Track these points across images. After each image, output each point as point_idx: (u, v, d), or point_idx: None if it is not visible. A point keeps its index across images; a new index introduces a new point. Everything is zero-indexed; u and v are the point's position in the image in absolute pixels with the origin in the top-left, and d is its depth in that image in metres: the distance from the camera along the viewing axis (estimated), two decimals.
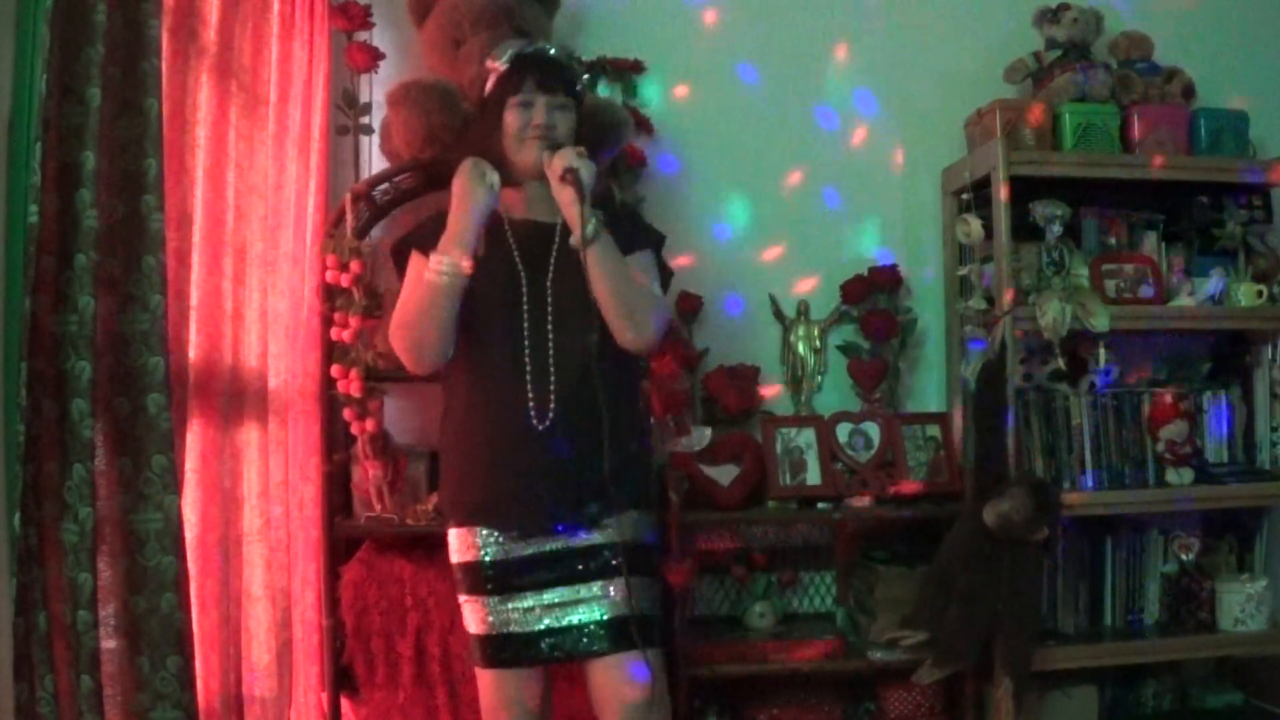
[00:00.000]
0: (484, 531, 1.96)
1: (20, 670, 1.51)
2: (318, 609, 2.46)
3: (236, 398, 2.21)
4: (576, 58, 2.09)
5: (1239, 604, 2.68)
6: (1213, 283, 2.73)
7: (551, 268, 1.97)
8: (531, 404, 1.92)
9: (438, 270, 1.88)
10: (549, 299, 1.95)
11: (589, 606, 1.93)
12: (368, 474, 2.44)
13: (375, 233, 2.69)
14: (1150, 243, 2.83)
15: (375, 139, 2.62)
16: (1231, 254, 2.83)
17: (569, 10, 2.77)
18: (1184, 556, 2.77)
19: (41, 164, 1.51)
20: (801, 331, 2.88)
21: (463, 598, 2.01)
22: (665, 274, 2.13)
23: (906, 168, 2.99)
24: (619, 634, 1.92)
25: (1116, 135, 2.75)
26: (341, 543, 2.49)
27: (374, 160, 2.63)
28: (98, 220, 1.60)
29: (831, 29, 2.98)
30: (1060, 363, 2.67)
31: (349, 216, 2.43)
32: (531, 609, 1.94)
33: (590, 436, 1.88)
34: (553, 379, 1.92)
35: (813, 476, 2.68)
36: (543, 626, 1.94)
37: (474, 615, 1.98)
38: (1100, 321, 2.58)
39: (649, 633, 1.95)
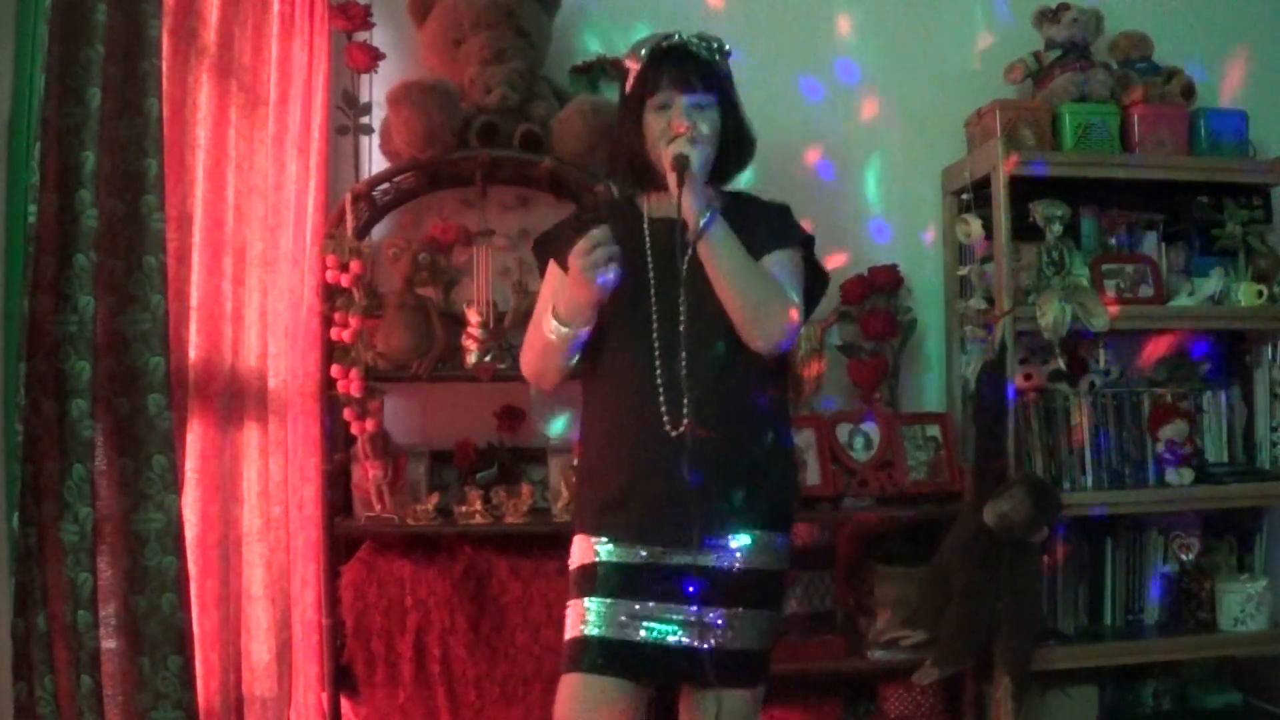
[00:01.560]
0: (605, 539, 1.81)
1: (20, 670, 1.51)
2: (318, 609, 2.46)
3: (236, 398, 2.21)
4: (719, 47, 1.89)
5: (1239, 604, 2.69)
6: (1213, 283, 2.73)
7: (685, 266, 1.79)
8: (664, 408, 1.77)
9: (553, 333, 1.80)
10: (681, 298, 1.79)
11: (697, 630, 1.76)
12: (368, 474, 2.44)
13: (375, 233, 2.70)
14: (1150, 243, 2.83)
15: (375, 139, 2.62)
16: (1231, 254, 2.83)
17: (569, 10, 2.77)
18: (1184, 556, 2.77)
19: (41, 164, 1.51)
20: (801, 331, 2.87)
21: (569, 603, 1.84)
22: (817, 276, 1.96)
23: (906, 168, 2.99)
24: (729, 668, 1.76)
25: (1116, 135, 2.75)
26: (341, 543, 2.50)
27: (374, 160, 2.63)
28: (98, 220, 1.60)
29: (832, 28, 2.98)
30: (1060, 363, 2.67)
31: (349, 216, 2.42)
32: (640, 619, 1.77)
33: (726, 446, 1.76)
34: (686, 384, 1.76)
35: (813, 476, 2.68)
36: (646, 639, 1.76)
37: (575, 616, 1.81)
38: (1100, 321, 2.58)
39: (755, 669, 1.81)
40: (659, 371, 1.79)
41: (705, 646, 1.76)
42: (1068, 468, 2.69)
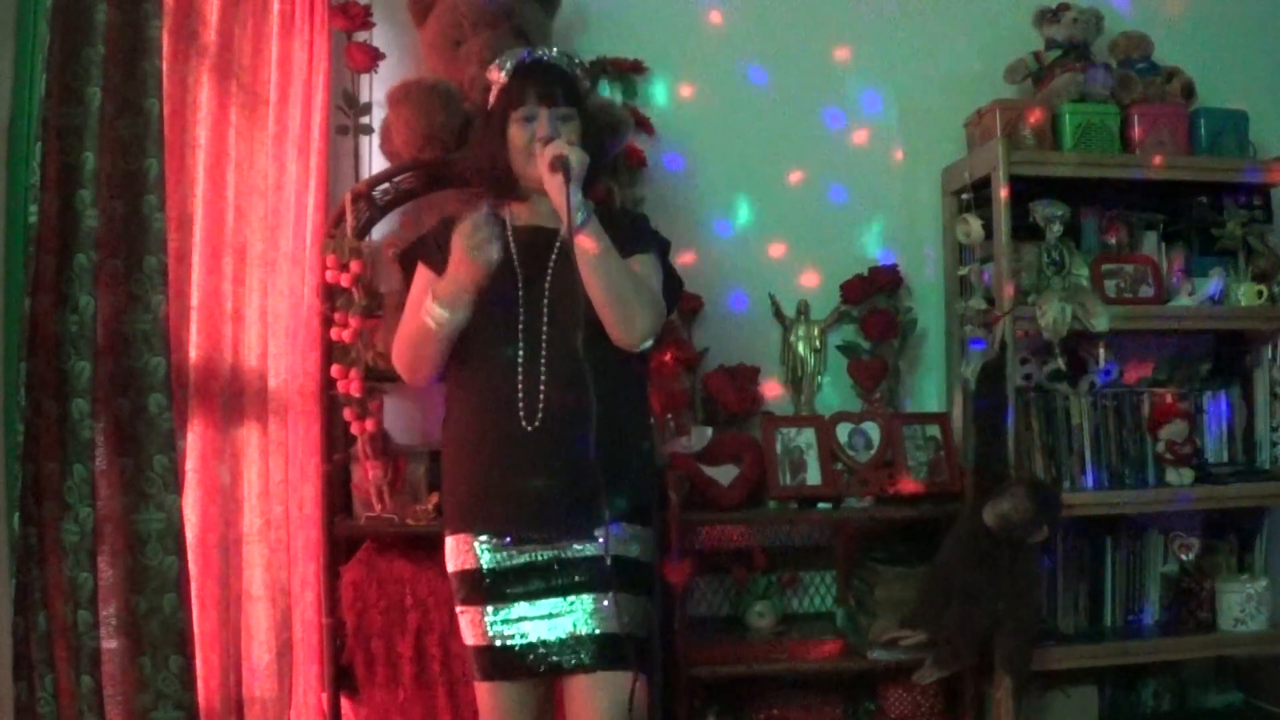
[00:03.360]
0: (481, 538, 1.92)
1: (20, 670, 1.51)
2: (318, 609, 2.46)
3: (236, 398, 2.21)
4: (579, 62, 2.05)
5: (1239, 604, 2.69)
6: (1213, 283, 2.73)
7: (550, 270, 1.94)
8: (521, 405, 1.88)
9: (431, 318, 1.89)
10: (545, 301, 1.92)
11: (577, 619, 1.87)
12: (368, 474, 2.44)
13: (375, 233, 2.69)
14: (1150, 243, 2.83)
15: (375, 139, 2.62)
16: (1231, 254, 2.83)
17: (569, 10, 2.77)
18: (1184, 556, 2.77)
19: (42, 164, 1.52)
20: (801, 331, 2.88)
21: (459, 608, 1.97)
22: (673, 280, 2.09)
23: (907, 168, 2.99)
24: (605, 651, 1.86)
25: (1116, 135, 2.75)
26: (341, 543, 2.49)
27: (374, 160, 2.63)
28: (98, 220, 1.60)
29: (833, 29, 2.98)
30: (1060, 363, 2.67)
31: (349, 216, 2.42)
32: (522, 620, 1.90)
33: (582, 441, 1.82)
34: (544, 380, 1.87)
35: (813, 476, 2.68)
36: (534, 639, 1.89)
37: (469, 627, 1.95)
38: (1100, 321, 2.58)
39: (635, 653, 1.88)
40: (520, 371, 1.89)
41: (585, 633, 1.86)
42: (1068, 468, 2.69)
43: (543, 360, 1.89)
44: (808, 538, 2.89)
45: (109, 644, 1.67)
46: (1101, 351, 2.72)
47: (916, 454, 2.75)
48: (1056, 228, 2.66)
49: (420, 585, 2.41)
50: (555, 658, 1.88)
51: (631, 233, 2.01)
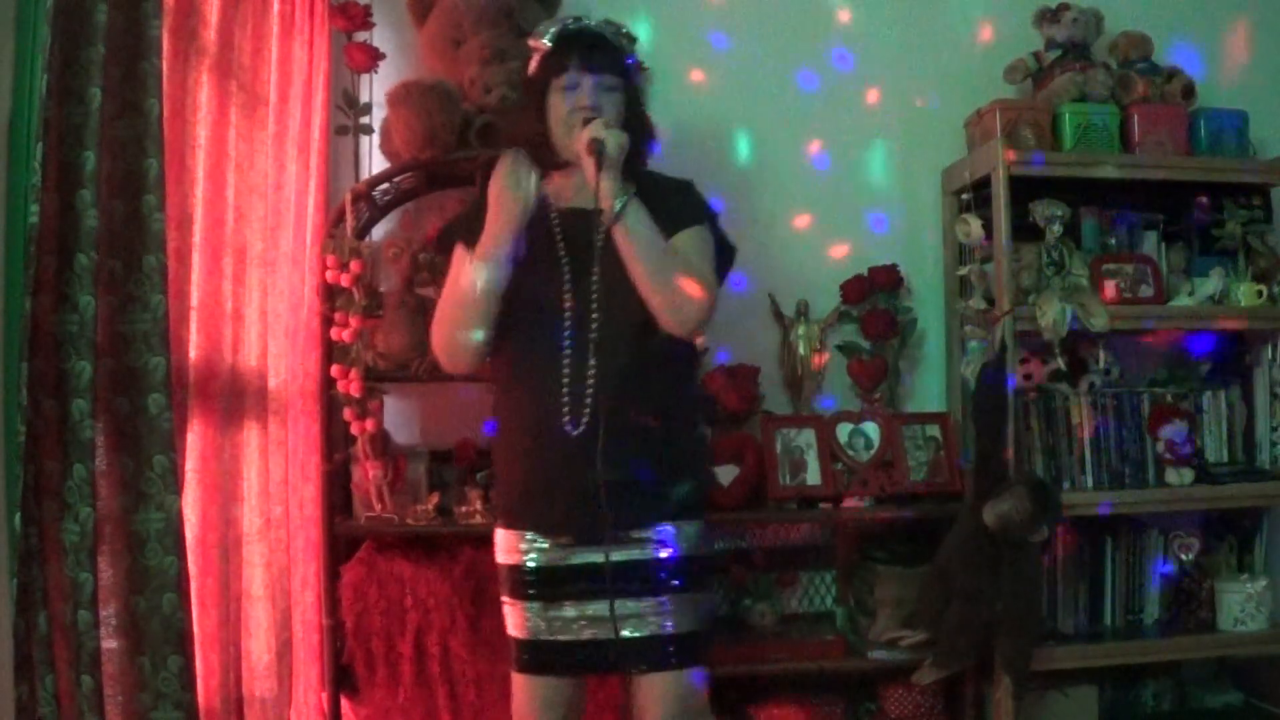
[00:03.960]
0: (528, 535, 1.86)
1: (21, 670, 1.51)
2: (318, 609, 2.46)
3: (236, 398, 2.21)
4: (626, 32, 1.91)
5: (1239, 604, 2.69)
6: (1213, 283, 2.73)
7: (597, 257, 1.82)
8: (566, 406, 1.79)
9: (471, 279, 1.78)
10: (594, 291, 1.81)
11: (632, 622, 1.81)
12: (368, 474, 2.44)
13: (375, 233, 2.70)
14: (1150, 243, 2.83)
15: (375, 139, 2.62)
16: (1231, 254, 2.83)
17: (569, 10, 2.76)
18: (1184, 556, 2.77)
19: (42, 164, 1.52)
20: (801, 331, 2.88)
21: (504, 599, 1.92)
22: (726, 250, 1.95)
23: (906, 168, 2.99)
24: (664, 652, 1.83)
25: (1116, 135, 2.75)
26: (341, 543, 2.49)
27: (374, 160, 2.63)
28: (98, 220, 1.60)
29: (832, 28, 2.99)
30: (1060, 363, 2.67)
31: (349, 216, 2.42)
32: (574, 619, 1.84)
33: (631, 440, 1.77)
34: (591, 380, 1.78)
35: (813, 476, 2.68)
36: (584, 637, 1.84)
37: (514, 619, 1.90)
38: (1100, 321, 2.58)
39: (694, 650, 1.85)
40: (566, 366, 1.80)
41: (638, 636, 1.82)
42: (1068, 468, 2.69)
43: (591, 353, 1.79)
44: (808, 538, 2.89)
45: (109, 644, 1.68)
46: (1102, 352, 2.72)
47: (916, 454, 2.75)
48: (1056, 228, 2.66)
49: (420, 585, 2.41)
50: (611, 658, 1.83)
51: (678, 205, 1.89)
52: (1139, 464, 2.72)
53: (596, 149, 1.74)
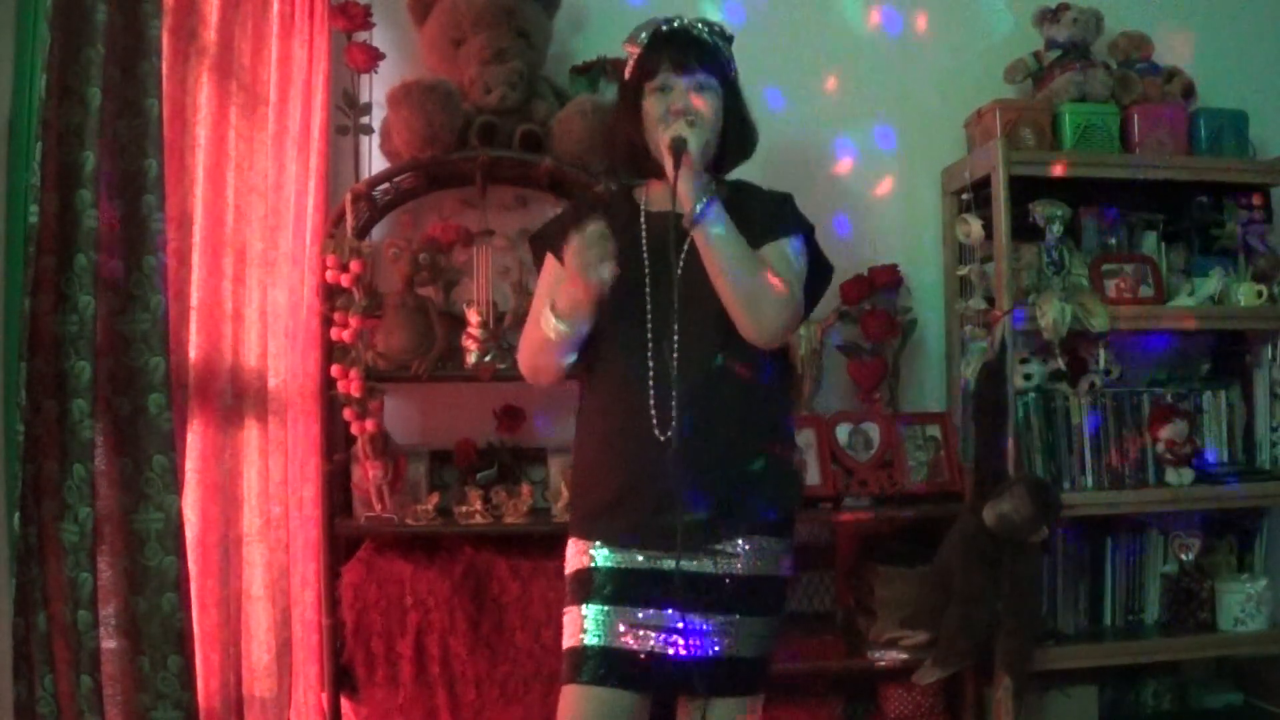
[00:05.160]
0: (599, 544, 1.77)
1: (20, 670, 1.51)
2: (318, 609, 2.46)
3: (236, 398, 2.21)
4: (721, 30, 1.85)
5: (1239, 604, 2.69)
6: (1213, 283, 2.73)
7: (681, 262, 1.76)
8: (654, 412, 1.72)
9: (551, 329, 1.74)
10: (675, 296, 1.73)
11: (699, 640, 1.72)
12: (368, 474, 2.44)
13: (375, 233, 2.70)
14: (1150, 243, 2.83)
15: (375, 139, 2.62)
16: (1231, 254, 2.83)
17: (569, 10, 2.77)
18: (1184, 556, 2.77)
19: (41, 164, 1.52)
20: (801, 331, 2.87)
21: (566, 609, 1.80)
22: (821, 267, 1.88)
23: (906, 168, 2.99)
24: (728, 677, 1.74)
25: (1116, 135, 2.75)
26: (341, 543, 2.49)
27: (374, 160, 2.63)
28: (98, 220, 1.60)
29: (831, 28, 2.99)
30: (1060, 363, 2.67)
31: (349, 216, 2.42)
32: (638, 628, 1.72)
33: (717, 449, 1.71)
34: (676, 384, 1.71)
35: (813, 476, 2.68)
36: (648, 648, 1.72)
37: (573, 625, 1.76)
38: (1100, 321, 2.58)
39: (753, 678, 1.77)
40: (651, 373, 1.74)
41: (703, 655, 1.72)
42: (1068, 468, 2.69)
43: (675, 362, 1.73)
44: (808, 538, 2.89)
45: (109, 644, 1.68)
46: (1102, 352, 2.72)
47: (916, 454, 2.75)
48: (1056, 228, 2.66)
49: (420, 585, 2.41)
50: (670, 676, 1.73)
51: (772, 214, 1.82)
52: (1139, 464, 2.71)
53: (675, 147, 1.69)
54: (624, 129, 1.84)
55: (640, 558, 1.74)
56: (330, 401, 2.44)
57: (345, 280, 2.38)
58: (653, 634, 1.73)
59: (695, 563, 1.73)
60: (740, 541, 1.75)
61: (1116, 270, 2.71)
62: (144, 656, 1.71)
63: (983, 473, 2.57)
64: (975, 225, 2.68)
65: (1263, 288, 2.74)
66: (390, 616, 2.40)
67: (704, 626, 1.72)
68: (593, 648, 1.73)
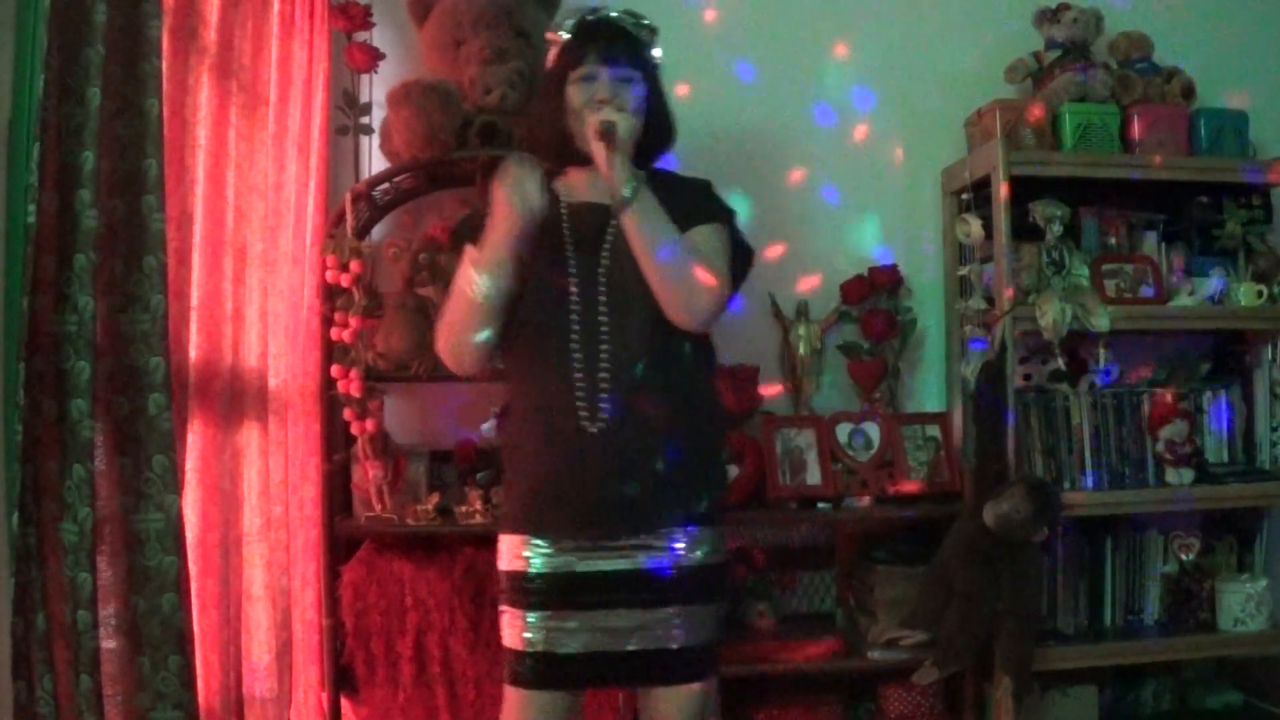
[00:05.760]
0: (534, 541, 1.77)
1: (19, 670, 1.51)
2: (318, 609, 2.46)
3: (236, 398, 2.21)
4: (647, 23, 1.88)
5: (1239, 604, 2.68)
6: (1213, 283, 2.73)
7: (606, 251, 1.78)
8: (582, 405, 1.73)
9: (471, 284, 1.73)
10: (601, 285, 1.76)
11: (642, 634, 1.75)
12: (368, 474, 2.44)
13: (375, 233, 2.70)
14: (1150, 243, 2.83)
15: (375, 139, 2.62)
16: (1231, 254, 2.83)
17: (569, 10, 2.76)
18: (1184, 556, 2.77)
19: (41, 164, 1.52)
20: (801, 331, 2.88)
21: (502, 608, 1.82)
22: (742, 252, 1.89)
23: (906, 168, 2.99)
24: (674, 666, 1.77)
25: (1116, 135, 2.75)
26: (341, 543, 2.49)
27: (374, 160, 2.63)
28: (98, 220, 1.60)
29: (831, 28, 2.99)
30: (1060, 363, 2.67)
31: (349, 216, 2.42)
32: (577, 630, 1.75)
33: (648, 440, 1.72)
34: (605, 376, 1.72)
35: (813, 476, 2.68)
36: (588, 650, 1.75)
37: (512, 628, 1.79)
38: (1100, 321, 2.57)
39: (707, 663, 1.80)
40: (578, 365, 1.74)
41: (644, 649, 1.75)
42: (1068, 468, 2.69)
43: (603, 352, 1.74)
44: (808, 538, 2.89)
45: (108, 644, 1.67)
46: (1102, 351, 2.72)
47: (916, 454, 2.75)
48: (1056, 228, 2.66)
49: (420, 585, 2.41)
50: (617, 672, 1.77)
51: (694, 202, 1.84)
52: (1139, 464, 2.71)
53: (605, 131, 1.70)
54: (548, 115, 1.84)
55: (574, 557, 1.76)
56: (330, 401, 2.44)
57: (345, 280, 2.38)
58: (592, 634, 1.75)
59: (629, 558, 1.75)
60: (678, 531, 1.76)
61: (1116, 270, 2.71)
62: (144, 656, 1.71)
63: (983, 473, 2.57)
64: (975, 225, 2.68)
65: (1263, 288, 2.74)
66: (390, 616, 2.40)
67: (647, 621, 1.75)
68: (534, 653, 1.76)
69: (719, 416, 1.93)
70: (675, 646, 1.76)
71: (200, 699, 1.86)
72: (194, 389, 2.01)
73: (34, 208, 1.50)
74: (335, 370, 2.39)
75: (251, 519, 2.28)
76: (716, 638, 1.83)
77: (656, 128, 1.85)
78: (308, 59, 2.53)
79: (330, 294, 2.41)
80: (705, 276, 1.72)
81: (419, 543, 2.50)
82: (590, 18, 1.84)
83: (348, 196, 2.45)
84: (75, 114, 1.58)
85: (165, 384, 1.73)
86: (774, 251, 2.93)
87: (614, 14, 1.85)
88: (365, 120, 2.62)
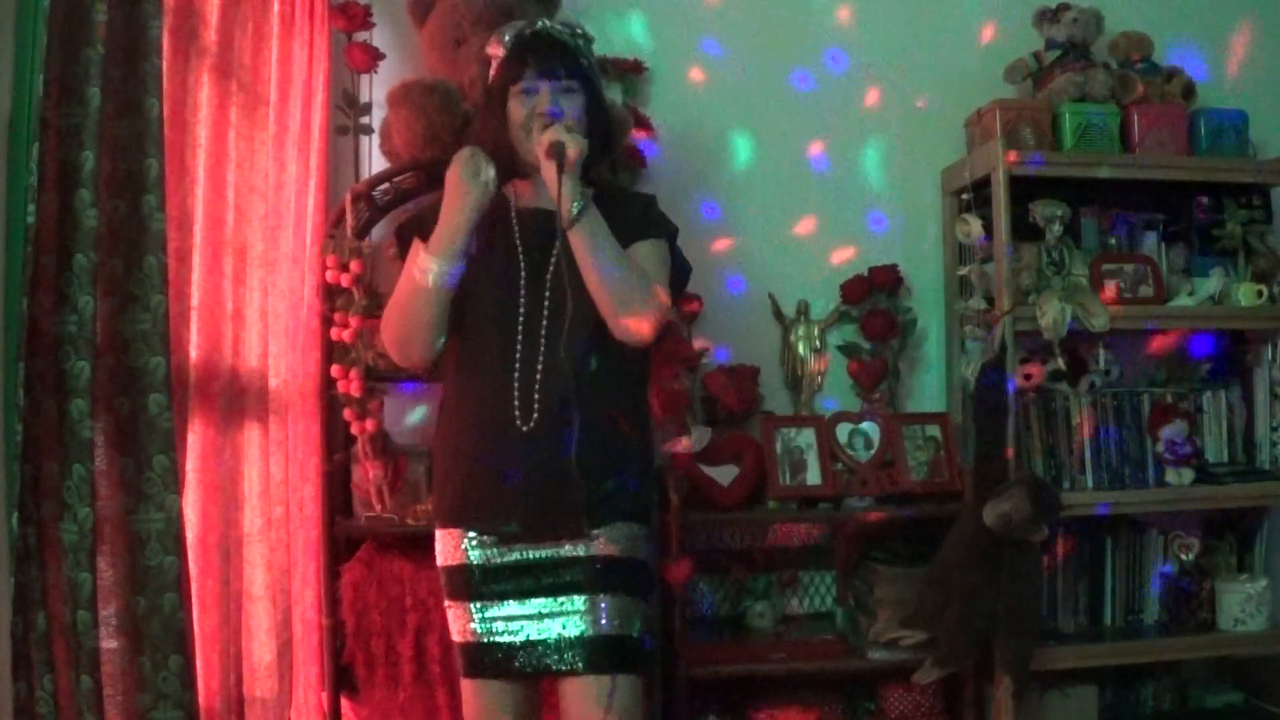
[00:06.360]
0: (469, 535, 1.87)
1: (19, 670, 1.51)
2: (318, 609, 2.46)
3: (237, 398, 2.21)
4: (583, 33, 1.93)
5: (1239, 604, 2.69)
6: (1213, 283, 2.73)
7: (554, 258, 1.85)
8: (516, 402, 1.81)
9: (424, 271, 1.80)
10: (547, 291, 1.84)
11: (567, 621, 1.82)
12: (368, 474, 2.44)
13: (375, 233, 2.69)
14: (1150, 243, 2.83)
15: (375, 139, 2.62)
16: (1231, 254, 2.83)
17: (569, 10, 2.76)
18: (1184, 556, 2.77)
19: (41, 164, 1.52)
20: (801, 331, 2.88)
21: (447, 603, 1.91)
22: (680, 268, 1.99)
23: (906, 168, 2.99)
24: (595, 653, 1.81)
25: (1116, 135, 2.75)
26: (341, 543, 2.49)
27: (374, 160, 2.63)
28: (98, 220, 1.60)
29: (831, 27, 2.99)
30: (1060, 363, 2.67)
31: (349, 216, 2.43)
32: (513, 618, 1.84)
33: (577, 441, 1.77)
34: (540, 376, 1.81)
35: (813, 476, 2.68)
36: (523, 638, 1.83)
37: (457, 622, 1.89)
38: (1100, 321, 2.58)
39: (627, 655, 1.83)
40: (517, 365, 1.82)
41: (577, 634, 1.81)
42: (1068, 468, 2.69)
43: (541, 353, 1.82)
44: (808, 538, 2.89)
45: (109, 644, 1.67)
46: (1101, 351, 2.72)
47: (916, 454, 2.75)
48: (1056, 228, 2.66)
49: (420, 585, 2.41)
50: (545, 659, 1.83)
51: (638, 218, 1.92)
52: (1139, 464, 2.72)
53: (557, 153, 1.75)
54: (490, 129, 1.90)
55: (507, 550, 1.85)
56: (330, 401, 2.44)
57: (345, 280, 2.38)
58: (527, 623, 1.84)
59: (563, 550, 1.83)
60: (605, 527, 1.83)
61: (1116, 270, 2.71)
62: (144, 656, 1.71)
63: (983, 473, 2.57)
64: (975, 225, 2.68)
65: (1263, 288, 2.74)
66: (390, 616, 2.40)
67: (575, 606, 1.82)
68: (485, 644, 1.85)
69: (645, 419, 2.02)
70: (599, 634, 1.81)
71: (200, 699, 1.87)
72: (194, 389, 2.01)
73: (34, 208, 1.50)
74: (335, 370, 2.39)
75: (252, 519, 2.28)
76: (643, 634, 1.87)
77: (598, 137, 1.90)
78: (308, 59, 2.53)
79: (330, 294, 2.41)
80: (647, 295, 1.81)
81: (419, 543, 2.49)
82: (527, 31, 1.89)
83: (348, 196, 2.45)
84: (75, 114, 1.58)
85: (165, 384, 1.73)
86: (775, 252, 2.93)
87: (550, 26, 1.91)
88: (365, 120, 2.62)
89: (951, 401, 2.92)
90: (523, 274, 1.86)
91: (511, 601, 1.85)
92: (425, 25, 2.61)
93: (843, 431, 2.75)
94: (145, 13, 1.71)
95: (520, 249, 1.89)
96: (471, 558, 1.86)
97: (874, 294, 2.89)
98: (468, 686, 1.89)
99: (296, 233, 2.50)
